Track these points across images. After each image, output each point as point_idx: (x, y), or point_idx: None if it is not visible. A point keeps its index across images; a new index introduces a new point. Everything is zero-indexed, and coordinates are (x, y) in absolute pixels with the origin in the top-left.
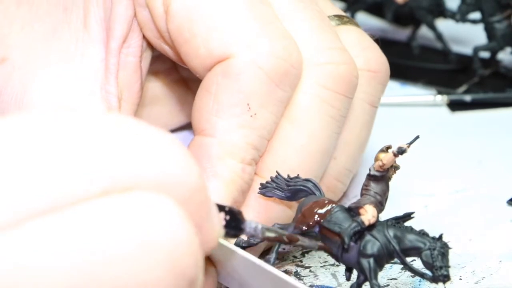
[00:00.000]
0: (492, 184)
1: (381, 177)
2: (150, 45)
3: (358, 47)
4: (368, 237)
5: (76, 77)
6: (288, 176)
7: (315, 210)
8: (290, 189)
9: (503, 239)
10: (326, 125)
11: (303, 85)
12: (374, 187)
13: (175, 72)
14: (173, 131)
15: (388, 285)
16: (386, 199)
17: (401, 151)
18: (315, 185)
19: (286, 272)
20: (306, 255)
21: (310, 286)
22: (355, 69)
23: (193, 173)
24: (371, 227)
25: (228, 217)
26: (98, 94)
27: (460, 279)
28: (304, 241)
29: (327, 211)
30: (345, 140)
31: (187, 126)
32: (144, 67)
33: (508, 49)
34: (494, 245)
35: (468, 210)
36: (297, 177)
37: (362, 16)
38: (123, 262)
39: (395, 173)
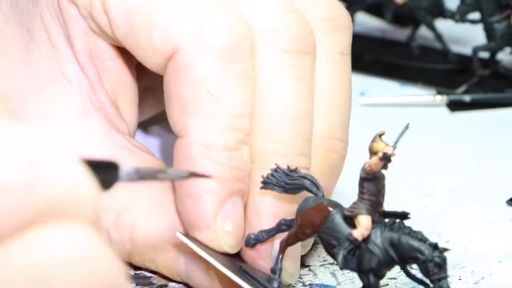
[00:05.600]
0: (492, 184)
1: (373, 177)
2: None
3: None
4: (364, 249)
5: (65, 96)
6: (288, 167)
7: (313, 218)
8: (289, 188)
9: (503, 239)
10: (295, 88)
11: (260, 56)
12: (367, 188)
13: None
14: None
15: (387, 284)
16: (383, 194)
17: (386, 157)
18: (312, 182)
19: None
20: (306, 254)
21: (310, 285)
22: (307, 25)
23: (87, 184)
24: (367, 237)
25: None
26: (91, 108)
27: (460, 279)
28: (173, 173)
29: (324, 218)
30: (327, 97)
31: None
32: (129, 60)
33: (507, 49)
34: (494, 245)
35: (468, 210)
36: (296, 170)
37: (361, 16)
38: None
39: (390, 161)
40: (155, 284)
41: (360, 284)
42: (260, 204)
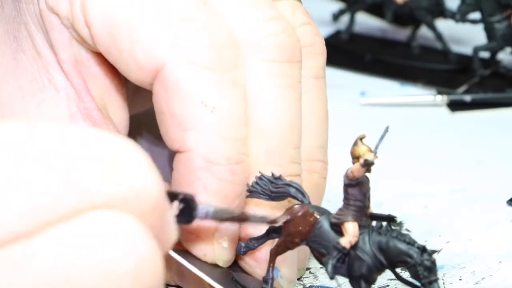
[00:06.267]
0: (492, 184)
1: (357, 183)
2: None
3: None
4: (353, 255)
5: (53, 103)
6: (273, 175)
7: (300, 226)
8: (274, 195)
9: (503, 239)
10: (285, 97)
11: (249, 65)
12: (352, 194)
13: None
14: None
15: (388, 285)
16: (368, 198)
17: (367, 164)
18: (297, 189)
19: None
20: None
21: (310, 287)
22: (294, 33)
23: (155, 185)
24: (355, 243)
25: (182, 206)
26: (78, 115)
27: (460, 279)
28: (255, 218)
29: (311, 226)
30: (304, 122)
31: None
32: None
33: (508, 49)
34: (494, 245)
35: (468, 210)
36: (280, 178)
37: (362, 16)
38: None
39: (372, 165)
40: None
41: None
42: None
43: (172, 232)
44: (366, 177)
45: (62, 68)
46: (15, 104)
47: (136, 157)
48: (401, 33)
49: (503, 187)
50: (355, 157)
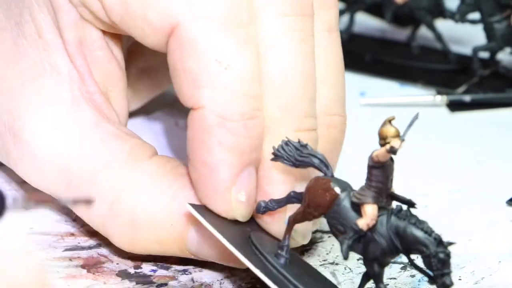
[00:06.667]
0: (492, 184)
1: (381, 165)
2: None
3: None
4: (369, 237)
5: (53, 88)
6: (299, 141)
7: (321, 200)
8: (298, 164)
9: (503, 239)
10: (298, 51)
11: (262, 21)
12: (375, 175)
13: None
14: None
15: (387, 284)
16: (391, 180)
17: (393, 151)
18: (321, 161)
19: None
20: (305, 253)
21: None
22: None
23: None
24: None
25: None
26: (80, 98)
27: (460, 279)
28: (60, 201)
29: (332, 201)
30: (320, 75)
31: None
32: (118, 52)
33: (507, 49)
34: (494, 245)
35: (468, 210)
36: (306, 146)
37: (361, 16)
38: None
39: (401, 147)
40: (155, 283)
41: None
42: (272, 171)
43: None
44: (391, 159)
45: (66, 50)
46: (14, 90)
47: None
48: (401, 33)
49: (503, 187)
50: (382, 138)
